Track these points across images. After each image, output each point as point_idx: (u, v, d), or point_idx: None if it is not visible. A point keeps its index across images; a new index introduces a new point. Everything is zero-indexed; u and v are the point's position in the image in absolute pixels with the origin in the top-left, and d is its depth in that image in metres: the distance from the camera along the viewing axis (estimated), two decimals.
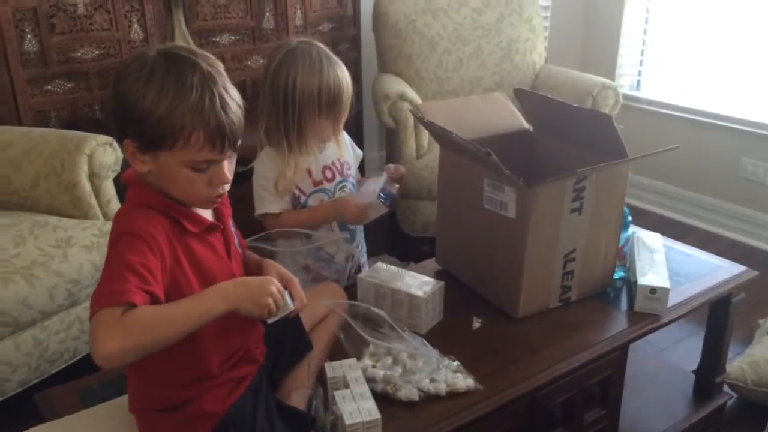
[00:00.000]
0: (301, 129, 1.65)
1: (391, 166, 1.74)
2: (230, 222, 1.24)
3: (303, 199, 1.72)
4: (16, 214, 2.20)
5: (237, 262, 1.24)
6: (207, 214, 1.17)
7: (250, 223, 1.63)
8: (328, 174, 1.75)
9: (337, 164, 1.77)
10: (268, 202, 1.69)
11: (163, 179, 1.09)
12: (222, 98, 1.06)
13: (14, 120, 2.49)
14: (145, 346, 0.96)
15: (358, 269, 1.86)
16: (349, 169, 1.80)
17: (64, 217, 2.18)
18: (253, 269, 1.27)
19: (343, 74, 1.66)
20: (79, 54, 2.58)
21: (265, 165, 1.69)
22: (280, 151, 1.67)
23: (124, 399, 1.24)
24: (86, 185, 2.21)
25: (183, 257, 1.09)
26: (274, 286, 1.09)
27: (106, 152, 2.23)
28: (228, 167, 1.11)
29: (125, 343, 0.93)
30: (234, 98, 1.09)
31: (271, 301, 1.07)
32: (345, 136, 1.83)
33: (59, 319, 1.99)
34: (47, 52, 2.51)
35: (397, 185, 1.69)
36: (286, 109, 1.64)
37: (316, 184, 1.73)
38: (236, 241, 1.26)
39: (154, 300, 1.00)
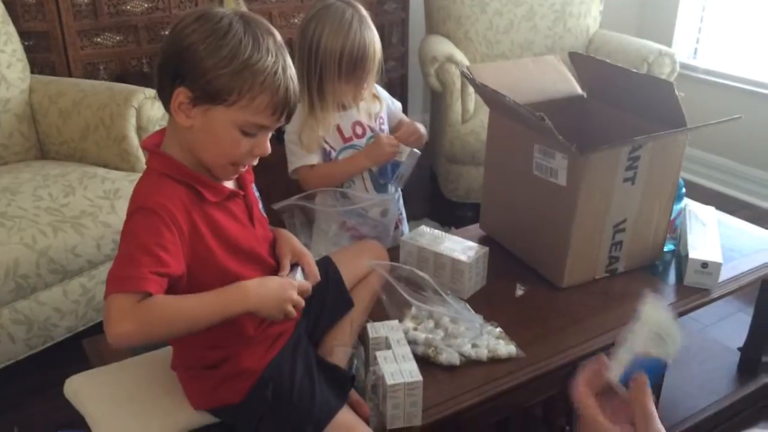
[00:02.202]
0: (322, 88, 1.63)
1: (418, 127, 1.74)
2: (253, 188, 1.23)
3: (333, 154, 1.70)
4: (66, 165, 2.24)
5: (262, 227, 1.22)
6: (228, 183, 1.16)
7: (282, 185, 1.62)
8: (359, 130, 1.72)
9: (369, 119, 1.74)
10: (299, 156, 1.67)
11: (200, 139, 1.07)
12: (291, 69, 1.07)
13: (64, 71, 2.52)
14: (158, 336, 0.98)
15: (396, 226, 1.85)
16: (383, 123, 1.76)
17: (112, 169, 2.22)
18: None
19: (372, 39, 1.61)
20: (128, 7, 2.58)
21: (293, 121, 1.67)
22: (305, 105, 1.66)
23: (171, 348, 1.26)
24: (134, 138, 2.23)
25: (203, 227, 1.08)
26: (295, 290, 1.09)
27: (153, 106, 2.24)
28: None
29: (139, 331, 0.95)
30: (295, 72, 1.09)
31: (290, 307, 1.08)
32: (380, 90, 1.79)
33: (105, 269, 2.03)
34: (98, 3, 2.52)
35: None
36: (309, 66, 1.61)
37: (346, 140, 1.70)
38: (260, 205, 1.24)
39: (171, 281, 1.00)
